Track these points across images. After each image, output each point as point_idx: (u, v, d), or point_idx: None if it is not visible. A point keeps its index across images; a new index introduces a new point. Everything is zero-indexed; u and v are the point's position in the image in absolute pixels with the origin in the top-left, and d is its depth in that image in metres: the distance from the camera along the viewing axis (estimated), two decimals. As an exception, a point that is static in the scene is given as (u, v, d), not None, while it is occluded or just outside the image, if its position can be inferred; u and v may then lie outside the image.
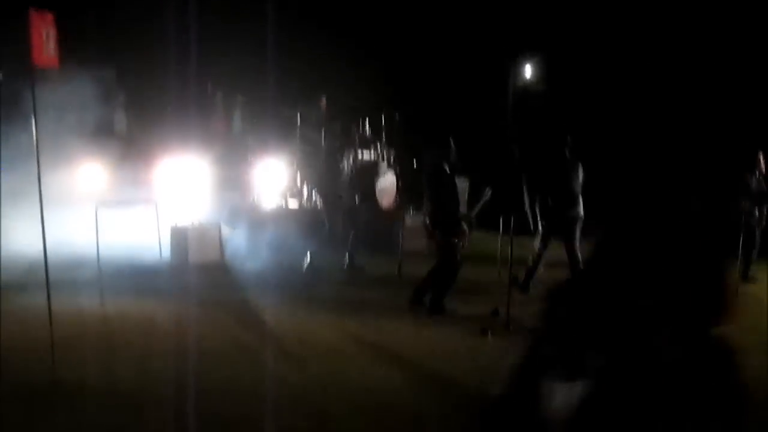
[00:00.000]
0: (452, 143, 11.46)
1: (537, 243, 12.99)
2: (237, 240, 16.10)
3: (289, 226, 16.40)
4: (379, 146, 17.51)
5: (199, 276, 13.31)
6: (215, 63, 19.48)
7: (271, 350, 9.12)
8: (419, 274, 11.85)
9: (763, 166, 15.39)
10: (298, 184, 18.05)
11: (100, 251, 11.62)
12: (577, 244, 12.95)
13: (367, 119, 17.52)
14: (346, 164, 16.71)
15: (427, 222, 11.46)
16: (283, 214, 17.29)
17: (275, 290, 12.32)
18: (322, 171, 16.91)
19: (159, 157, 16.25)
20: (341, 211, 15.74)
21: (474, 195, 15.52)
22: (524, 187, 13.14)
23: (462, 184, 15.39)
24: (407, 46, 21.68)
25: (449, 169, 11.42)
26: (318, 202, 17.32)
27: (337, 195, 15.92)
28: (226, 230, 15.82)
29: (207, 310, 11.00)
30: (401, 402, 7.58)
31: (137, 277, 13.22)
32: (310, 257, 14.67)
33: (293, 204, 17.80)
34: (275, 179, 17.59)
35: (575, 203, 13.10)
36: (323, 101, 17.87)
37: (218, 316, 10.83)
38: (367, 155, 17.16)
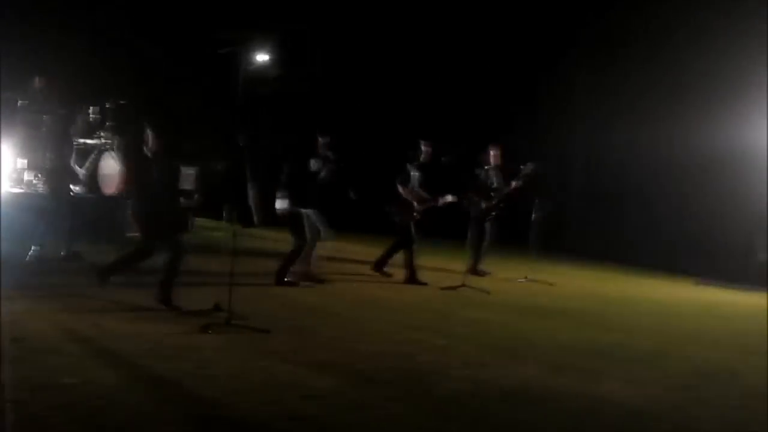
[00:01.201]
0: (176, 130, 11.06)
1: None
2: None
3: (11, 212, 15.45)
4: (103, 133, 16.84)
5: None
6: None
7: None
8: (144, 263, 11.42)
9: (492, 160, 15.76)
10: (20, 168, 17.07)
11: None
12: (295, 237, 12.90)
13: (91, 106, 16.75)
14: (70, 149, 15.94)
15: (138, 210, 11.04)
16: (6, 199, 16.28)
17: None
18: (46, 155, 16.06)
19: None
20: (65, 196, 14.96)
21: (202, 184, 15.19)
22: (249, 177, 12.92)
23: (188, 172, 15.02)
24: (134, 33, 20.96)
25: (170, 156, 10.97)
26: (41, 188, 16.47)
27: (62, 180, 15.10)
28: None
29: None
30: (118, 404, 7.05)
31: None
32: (34, 245, 13.83)
33: (16, 189, 16.79)
34: (-4, 164, 16.63)
35: (283, 195, 12.94)
36: (39, 82, 17.03)
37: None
38: (91, 141, 16.45)
